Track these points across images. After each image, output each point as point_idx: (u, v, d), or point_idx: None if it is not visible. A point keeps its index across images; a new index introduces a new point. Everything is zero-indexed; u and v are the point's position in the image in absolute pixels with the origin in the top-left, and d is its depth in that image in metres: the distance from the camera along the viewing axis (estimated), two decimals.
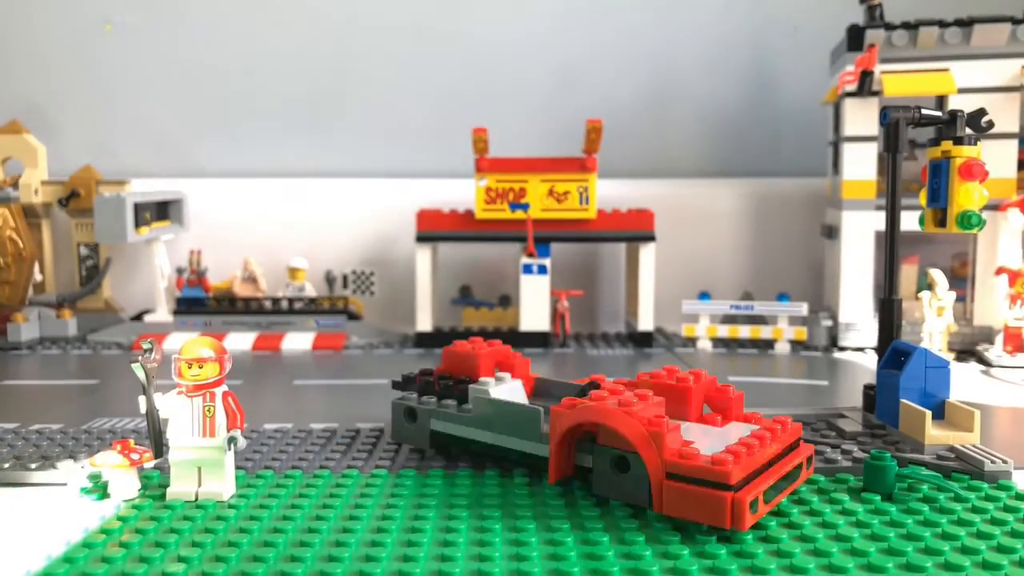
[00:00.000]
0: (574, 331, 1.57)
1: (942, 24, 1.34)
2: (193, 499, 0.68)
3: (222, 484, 0.68)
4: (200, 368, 0.67)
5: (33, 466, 0.75)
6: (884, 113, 0.88)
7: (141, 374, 0.66)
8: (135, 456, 0.69)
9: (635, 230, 1.47)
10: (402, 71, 1.76)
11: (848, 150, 1.40)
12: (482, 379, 0.79)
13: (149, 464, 0.70)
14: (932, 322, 1.30)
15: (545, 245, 1.44)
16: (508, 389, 0.79)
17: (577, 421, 0.67)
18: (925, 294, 1.31)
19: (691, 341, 1.45)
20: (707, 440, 0.66)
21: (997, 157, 1.29)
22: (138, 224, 1.45)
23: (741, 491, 0.59)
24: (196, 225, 1.66)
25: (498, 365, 0.84)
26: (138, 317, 1.54)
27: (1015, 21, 1.32)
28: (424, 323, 1.47)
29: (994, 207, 1.33)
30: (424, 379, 0.82)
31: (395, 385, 0.84)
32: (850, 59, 1.38)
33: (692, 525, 0.62)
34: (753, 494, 0.59)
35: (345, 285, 1.59)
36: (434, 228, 1.47)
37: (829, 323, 1.43)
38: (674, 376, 0.74)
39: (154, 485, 0.71)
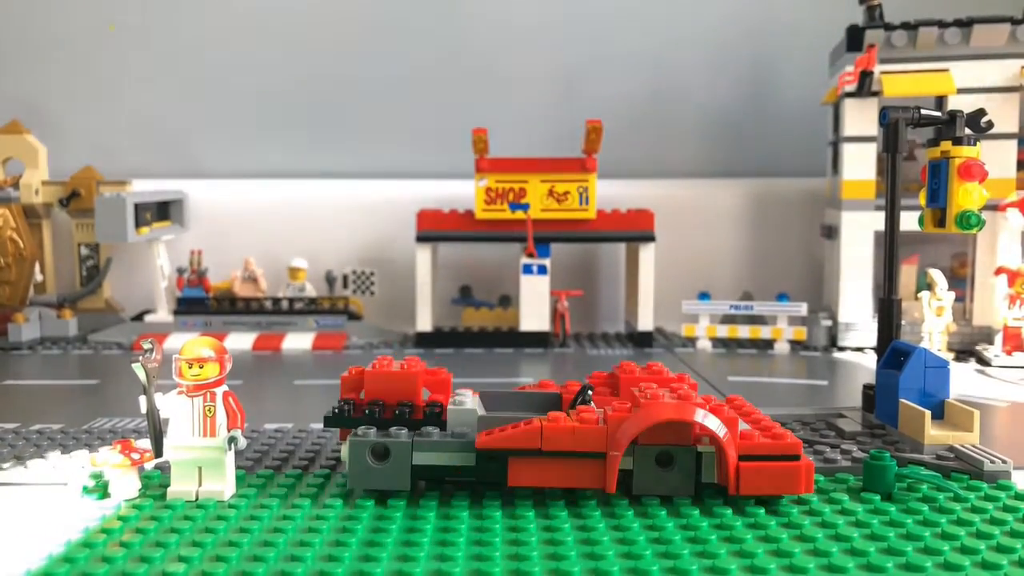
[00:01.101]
0: (574, 331, 1.58)
1: (941, 24, 1.34)
2: (193, 499, 0.68)
3: (222, 484, 0.68)
4: (200, 368, 0.67)
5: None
6: (884, 113, 0.88)
7: (142, 374, 0.66)
8: (136, 456, 0.69)
9: (635, 230, 1.47)
10: (402, 71, 1.76)
11: (848, 150, 1.40)
12: (458, 395, 0.75)
13: (150, 464, 0.70)
14: (931, 322, 1.30)
15: (545, 245, 1.44)
16: (477, 403, 0.75)
17: (654, 422, 0.66)
18: (925, 294, 1.31)
19: (691, 341, 1.45)
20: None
21: (996, 157, 1.29)
22: (139, 224, 1.45)
23: (804, 458, 0.66)
24: (196, 225, 1.66)
25: (424, 384, 0.77)
26: (139, 317, 1.54)
27: (1014, 21, 1.32)
28: (424, 323, 1.47)
29: (993, 207, 1.33)
30: (374, 409, 0.73)
31: (330, 422, 0.74)
32: (850, 59, 1.39)
33: (691, 520, 0.62)
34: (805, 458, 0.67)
35: (345, 285, 1.59)
36: (434, 228, 1.47)
37: (829, 323, 1.43)
38: (639, 370, 0.80)
39: (154, 485, 0.71)
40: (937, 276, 1.31)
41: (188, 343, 0.68)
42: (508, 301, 1.57)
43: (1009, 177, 1.35)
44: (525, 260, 1.44)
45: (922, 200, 0.88)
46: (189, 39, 1.76)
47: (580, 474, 0.67)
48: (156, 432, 0.68)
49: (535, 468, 0.67)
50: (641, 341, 1.45)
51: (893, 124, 0.87)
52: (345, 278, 1.60)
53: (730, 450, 0.65)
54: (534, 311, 1.45)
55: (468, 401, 0.74)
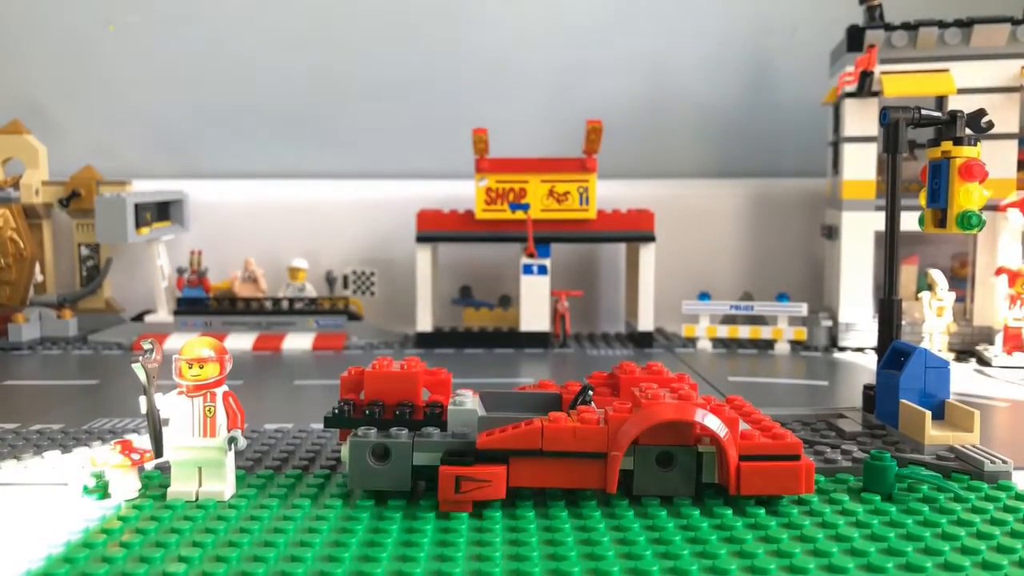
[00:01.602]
0: (574, 331, 1.58)
1: (942, 24, 1.34)
2: (194, 499, 0.68)
3: (222, 484, 0.68)
4: (201, 368, 0.67)
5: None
6: (884, 113, 0.88)
7: (142, 374, 0.66)
8: (136, 456, 0.69)
9: (635, 230, 1.47)
10: (402, 71, 1.76)
11: (848, 150, 1.40)
12: (458, 397, 0.74)
13: (150, 464, 0.70)
14: (932, 322, 1.30)
15: (545, 245, 1.44)
16: (477, 403, 0.74)
17: (655, 422, 0.66)
18: (925, 294, 1.31)
19: (691, 341, 1.45)
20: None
21: (997, 157, 1.29)
22: (139, 224, 1.45)
23: (805, 458, 0.67)
24: (197, 225, 1.66)
25: (424, 385, 0.77)
26: (139, 317, 1.54)
27: (1015, 21, 1.32)
28: (424, 323, 1.47)
29: (994, 207, 1.33)
30: (374, 409, 0.73)
31: (330, 423, 0.74)
32: (850, 59, 1.39)
33: (691, 520, 0.62)
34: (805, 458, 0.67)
35: (345, 285, 1.59)
36: (434, 228, 1.47)
37: (829, 323, 1.43)
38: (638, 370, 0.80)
39: (155, 485, 0.71)
40: (937, 276, 1.31)
41: (188, 343, 0.68)
42: (508, 301, 1.57)
43: (1009, 177, 1.35)
44: (525, 260, 1.44)
45: (922, 200, 0.88)
46: (189, 39, 1.76)
47: (581, 474, 0.66)
48: (156, 432, 0.68)
49: (536, 468, 0.67)
50: (641, 341, 1.45)
51: (893, 124, 0.87)
52: (345, 278, 1.60)
53: (731, 450, 0.65)
54: (534, 311, 1.45)
55: (468, 401, 0.73)
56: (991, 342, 1.33)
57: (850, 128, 1.39)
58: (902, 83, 1.34)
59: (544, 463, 0.67)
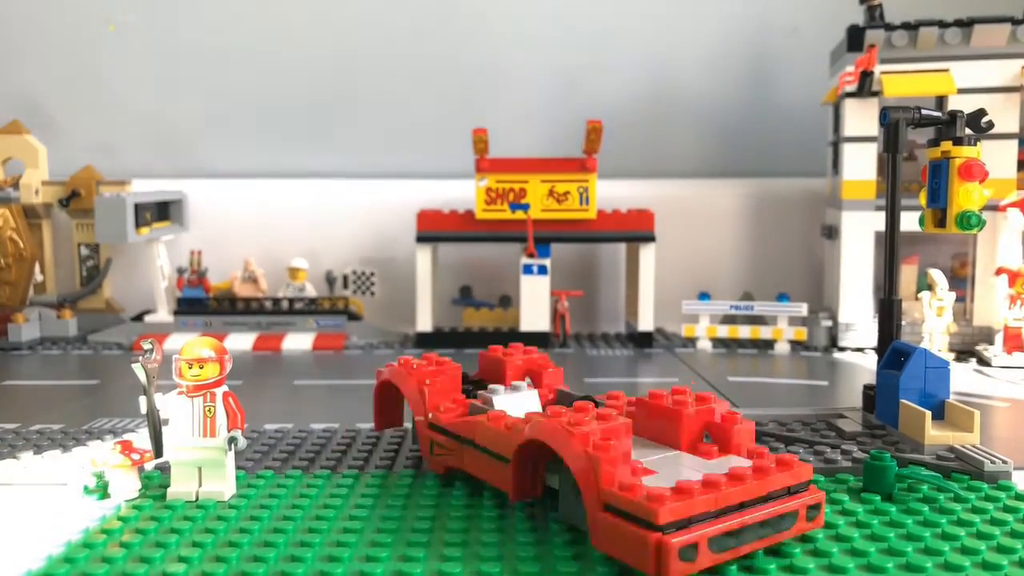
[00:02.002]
0: (574, 331, 1.58)
1: (942, 24, 1.34)
2: (194, 499, 0.68)
3: (223, 484, 0.68)
4: (200, 368, 0.67)
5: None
6: (884, 113, 0.88)
7: (142, 374, 0.66)
8: (136, 456, 0.69)
9: (635, 230, 1.47)
10: (403, 71, 1.76)
11: (848, 150, 1.40)
12: (491, 386, 0.75)
13: (150, 464, 0.70)
14: (932, 322, 1.30)
15: (545, 245, 1.44)
16: (519, 398, 0.73)
17: (525, 438, 0.61)
18: (925, 294, 1.31)
19: (691, 341, 1.45)
20: (682, 472, 0.59)
21: (997, 157, 1.29)
22: (139, 224, 1.45)
23: (672, 533, 0.50)
24: (197, 225, 1.66)
25: (528, 373, 0.80)
26: (139, 317, 1.54)
27: (1015, 21, 1.32)
28: (424, 323, 1.47)
29: (994, 207, 1.33)
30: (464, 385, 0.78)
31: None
32: (850, 59, 1.39)
33: None
34: (688, 539, 0.50)
35: (345, 285, 1.59)
36: (434, 228, 1.47)
37: (829, 323, 1.43)
38: (669, 399, 0.66)
39: (155, 485, 0.71)
40: (937, 276, 1.31)
41: (188, 343, 0.68)
42: (508, 301, 1.57)
43: (1009, 177, 1.35)
44: (525, 260, 1.44)
45: (922, 200, 0.88)
46: (189, 39, 1.76)
47: (496, 473, 0.66)
48: (156, 432, 0.68)
49: (475, 459, 0.68)
50: (641, 341, 1.45)
51: (893, 124, 0.87)
52: (345, 278, 1.60)
53: (586, 490, 0.54)
54: (534, 311, 1.45)
55: (500, 393, 0.73)
56: (991, 342, 1.33)
57: (850, 128, 1.39)
58: (902, 83, 1.34)
59: (480, 455, 0.67)
